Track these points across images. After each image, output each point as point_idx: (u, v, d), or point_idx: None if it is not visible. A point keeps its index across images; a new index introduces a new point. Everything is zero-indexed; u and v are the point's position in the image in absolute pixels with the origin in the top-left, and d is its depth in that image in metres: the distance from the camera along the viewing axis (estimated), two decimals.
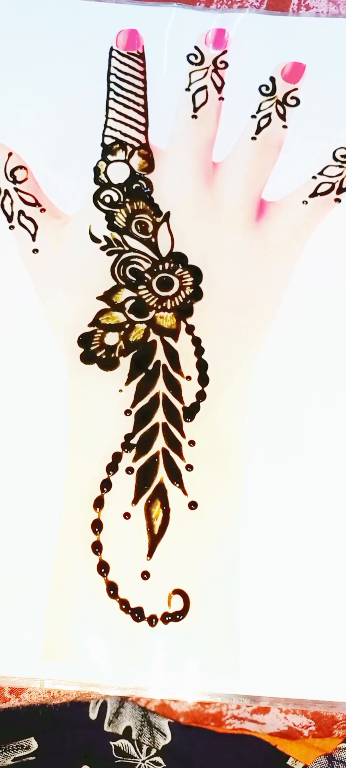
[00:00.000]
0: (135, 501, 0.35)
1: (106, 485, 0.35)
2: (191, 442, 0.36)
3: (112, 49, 0.50)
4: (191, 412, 0.37)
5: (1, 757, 0.35)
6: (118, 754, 0.35)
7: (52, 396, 0.37)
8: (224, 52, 0.50)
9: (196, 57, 0.50)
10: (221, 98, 0.48)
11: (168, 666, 0.32)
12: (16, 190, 0.44)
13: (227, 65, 0.50)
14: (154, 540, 0.34)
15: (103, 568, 0.33)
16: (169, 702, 0.34)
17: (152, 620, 0.32)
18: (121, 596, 0.33)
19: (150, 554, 0.34)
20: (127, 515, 0.35)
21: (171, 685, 0.32)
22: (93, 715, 0.35)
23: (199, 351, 0.39)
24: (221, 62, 0.50)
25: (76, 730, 0.35)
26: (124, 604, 0.33)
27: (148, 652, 0.32)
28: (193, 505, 0.35)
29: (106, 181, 0.45)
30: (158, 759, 0.35)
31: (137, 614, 0.33)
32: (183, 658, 0.32)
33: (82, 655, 0.32)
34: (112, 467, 0.36)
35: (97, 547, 0.34)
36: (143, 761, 0.35)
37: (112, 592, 0.33)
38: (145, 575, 0.33)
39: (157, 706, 0.34)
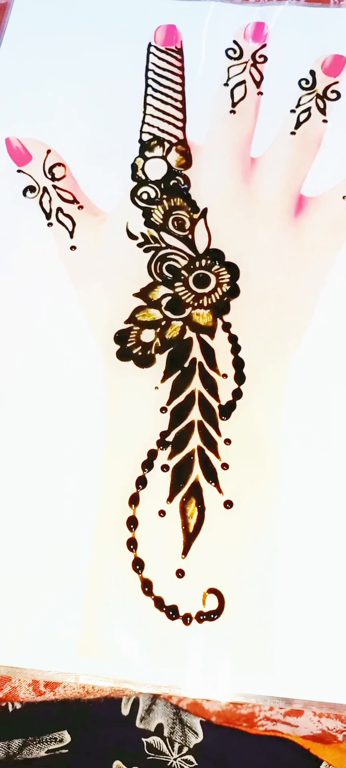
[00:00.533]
0: (170, 499, 0.35)
1: (141, 482, 0.35)
2: (227, 441, 0.36)
3: (150, 44, 0.50)
4: (227, 410, 0.37)
5: (36, 749, 0.35)
6: (150, 751, 0.35)
7: (89, 392, 0.37)
8: (263, 45, 0.50)
9: (234, 51, 0.50)
10: (260, 93, 0.48)
11: (202, 666, 0.32)
12: (55, 187, 0.44)
13: (266, 59, 0.50)
14: (189, 538, 0.34)
15: (138, 565, 0.33)
16: (202, 701, 0.33)
17: (187, 619, 0.32)
18: (155, 594, 0.33)
19: (185, 552, 0.34)
20: (162, 513, 0.34)
21: (204, 685, 0.31)
22: (125, 711, 0.35)
23: (235, 349, 0.39)
24: (260, 56, 0.50)
25: (109, 725, 0.35)
26: (159, 602, 0.33)
27: (182, 651, 0.32)
28: (228, 504, 0.35)
29: (143, 177, 0.45)
30: (190, 757, 0.35)
31: (172, 612, 0.32)
32: (217, 657, 0.32)
33: (117, 651, 0.32)
34: (147, 464, 0.36)
35: (132, 544, 0.34)
36: (175, 759, 0.35)
37: (146, 589, 0.33)
38: (180, 573, 0.33)
39: (189, 704, 0.34)
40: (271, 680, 0.31)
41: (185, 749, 0.35)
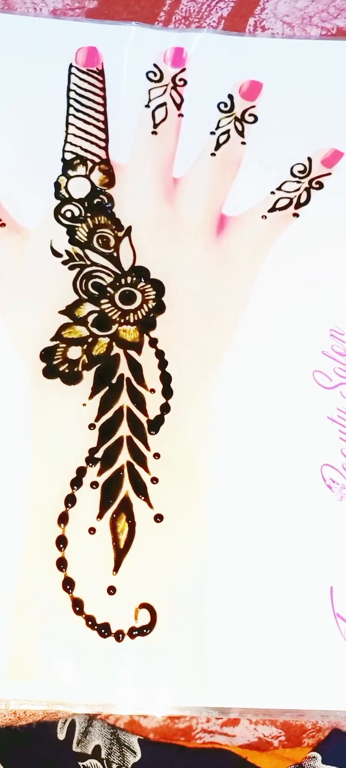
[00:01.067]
0: (100, 515, 0.35)
1: (70, 500, 0.35)
2: (156, 455, 0.36)
3: (71, 65, 0.50)
4: (156, 424, 0.37)
5: None
6: None
7: (15, 410, 0.37)
8: (183, 69, 0.51)
9: (155, 74, 0.51)
10: (181, 115, 0.49)
11: (136, 681, 0.32)
12: None
13: (185, 83, 0.51)
14: (120, 554, 0.34)
15: (68, 584, 0.33)
16: (139, 718, 0.33)
17: (119, 635, 0.32)
18: (87, 612, 0.32)
19: (116, 569, 0.34)
20: (92, 530, 0.34)
21: (139, 700, 0.31)
22: (61, 735, 0.34)
23: (162, 364, 0.39)
24: (180, 80, 0.51)
25: (44, 750, 0.34)
26: (91, 620, 0.32)
27: (115, 668, 0.32)
28: (159, 517, 0.35)
29: (67, 195, 0.45)
30: None
31: (104, 630, 0.32)
32: (151, 672, 0.32)
33: (48, 673, 0.31)
34: (76, 482, 0.35)
35: (62, 564, 0.33)
36: None
37: (77, 608, 0.32)
38: (112, 590, 0.33)
39: (127, 723, 0.33)
40: (206, 691, 0.32)
41: None
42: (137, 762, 0.34)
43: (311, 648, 0.33)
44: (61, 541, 0.34)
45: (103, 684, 0.32)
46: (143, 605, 0.33)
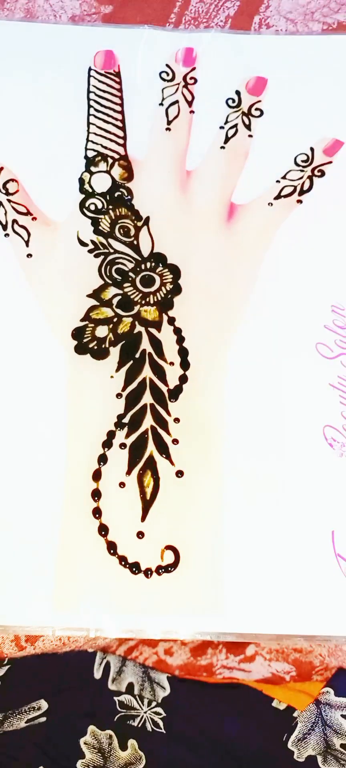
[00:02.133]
0: (129, 472, 0.38)
1: (102, 459, 0.38)
2: (176, 420, 0.39)
3: (90, 69, 0.52)
4: (175, 393, 0.40)
5: (16, 720, 0.38)
6: (122, 708, 0.38)
7: (52, 384, 0.40)
8: (193, 69, 0.53)
9: (167, 74, 0.52)
10: (192, 111, 0.51)
11: (163, 611, 0.35)
12: (9, 201, 0.46)
13: (196, 81, 0.52)
14: (147, 505, 0.37)
15: (103, 530, 0.37)
16: (165, 657, 0.37)
17: (148, 573, 0.36)
18: (120, 553, 0.36)
19: (143, 517, 0.37)
20: (122, 484, 0.38)
21: (166, 627, 0.35)
22: (98, 674, 0.38)
23: (180, 340, 0.42)
24: (191, 78, 0.52)
25: (83, 689, 0.38)
26: (123, 560, 0.36)
27: (144, 601, 0.36)
28: (179, 473, 0.38)
29: (90, 190, 0.47)
30: (159, 710, 0.38)
31: (135, 568, 0.36)
32: (176, 604, 0.36)
33: (88, 605, 0.35)
34: (107, 444, 0.39)
35: (97, 512, 0.37)
36: (145, 712, 0.38)
37: (112, 550, 0.36)
38: (140, 535, 0.37)
39: (155, 662, 0.37)
40: (223, 620, 0.35)
41: (154, 703, 0.38)
42: (167, 696, 0.38)
43: (315, 583, 0.37)
44: (96, 494, 0.37)
45: (134, 615, 0.35)
46: (168, 547, 0.36)
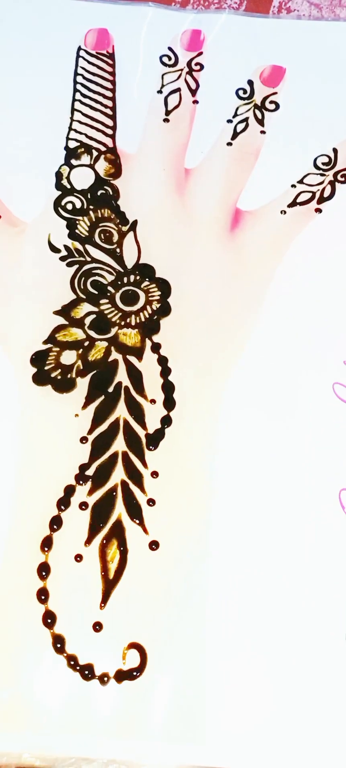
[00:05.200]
0: (88, 541, 0.32)
1: (56, 523, 0.32)
2: (154, 473, 0.33)
3: (79, 48, 0.48)
4: (155, 439, 0.34)
5: None
6: None
7: (0, 420, 0.34)
8: (200, 53, 0.49)
9: (169, 58, 0.49)
10: (196, 101, 0.47)
11: (122, 731, 0.28)
12: None
13: (202, 67, 0.49)
14: (109, 586, 0.31)
15: (49, 618, 0.30)
16: None
17: (104, 678, 0.29)
18: (68, 651, 0.29)
19: (104, 602, 0.30)
20: (78, 557, 0.31)
21: (124, 754, 0.28)
22: None
23: (165, 372, 0.36)
24: (197, 64, 0.49)
25: None
26: (73, 660, 0.29)
27: (98, 715, 0.29)
28: (154, 545, 0.32)
29: (68, 186, 0.42)
30: None
31: (87, 671, 0.29)
32: (139, 722, 0.29)
33: (23, 718, 0.28)
34: (63, 502, 0.32)
35: (43, 594, 0.30)
36: None
37: (58, 646, 0.29)
38: (98, 627, 0.30)
39: None
40: (201, 748, 0.28)
41: None
42: None
43: (324, 708, 0.29)
44: (44, 569, 0.31)
45: (84, 733, 0.28)
46: (132, 645, 0.30)
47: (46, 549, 0.31)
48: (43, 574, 0.31)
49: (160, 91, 0.47)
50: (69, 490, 0.33)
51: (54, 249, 0.40)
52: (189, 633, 0.30)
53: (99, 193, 0.42)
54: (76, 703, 0.29)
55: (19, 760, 0.27)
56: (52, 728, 0.28)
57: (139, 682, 0.29)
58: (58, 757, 0.28)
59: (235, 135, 0.45)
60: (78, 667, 0.29)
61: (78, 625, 0.30)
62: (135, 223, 0.41)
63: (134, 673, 0.29)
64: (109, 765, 0.28)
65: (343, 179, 0.44)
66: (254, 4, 0.52)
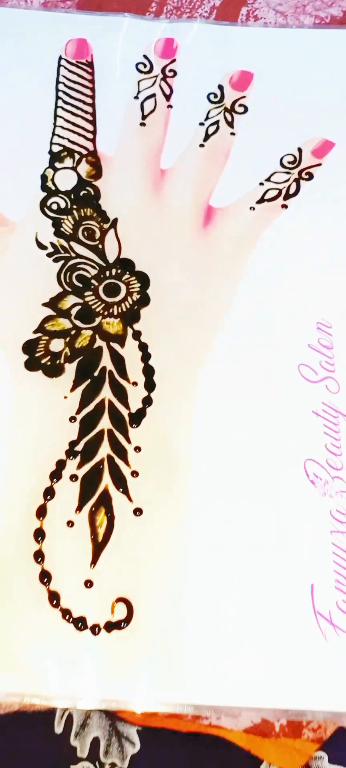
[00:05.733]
0: (79, 509, 0.34)
1: (49, 493, 0.34)
2: (137, 448, 0.36)
3: (60, 57, 0.50)
4: (137, 417, 0.37)
5: None
6: None
7: None
8: (173, 60, 0.51)
9: (144, 66, 0.50)
10: (170, 106, 0.49)
11: (112, 675, 0.31)
12: None
13: (175, 74, 0.50)
14: (98, 548, 0.33)
15: (45, 577, 0.32)
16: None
17: (95, 629, 0.32)
18: (63, 605, 0.32)
19: (93, 562, 0.33)
20: (70, 523, 0.34)
21: (114, 695, 0.31)
22: (59, 729, 0.33)
23: (145, 357, 0.39)
24: (170, 71, 0.50)
25: (41, 744, 0.33)
26: (67, 613, 0.32)
27: (90, 662, 0.31)
28: (138, 511, 0.34)
29: (53, 188, 0.44)
30: None
31: (80, 623, 0.32)
32: (127, 667, 0.31)
33: (24, 665, 0.31)
34: (55, 475, 0.35)
35: (39, 556, 0.33)
36: None
37: (54, 601, 0.32)
38: (88, 584, 0.33)
39: (124, 713, 0.33)
40: (182, 688, 0.31)
41: None
42: (136, 753, 0.33)
43: (290, 646, 0.32)
44: (39, 534, 0.33)
45: (78, 677, 0.31)
46: (120, 599, 0.32)
47: (40, 516, 0.34)
48: (39, 538, 0.33)
49: (136, 97, 0.48)
50: (60, 464, 0.35)
51: (41, 246, 0.42)
52: (170, 588, 0.33)
53: (82, 193, 0.44)
54: (70, 650, 0.31)
55: (21, 699, 0.30)
56: (49, 672, 0.31)
57: (126, 631, 0.32)
58: (55, 695, 0.30)
59: (207, 137, 0.47)
60: (72, 620, 0.32)
61: (71, 583, 0.32)
62: (115, 220, 0.43)
63: (122, 624, 0.32)
64: (101, 703, 0.31)
65: (307, 177, 0.45)
66: (224, 13, 0.53)
